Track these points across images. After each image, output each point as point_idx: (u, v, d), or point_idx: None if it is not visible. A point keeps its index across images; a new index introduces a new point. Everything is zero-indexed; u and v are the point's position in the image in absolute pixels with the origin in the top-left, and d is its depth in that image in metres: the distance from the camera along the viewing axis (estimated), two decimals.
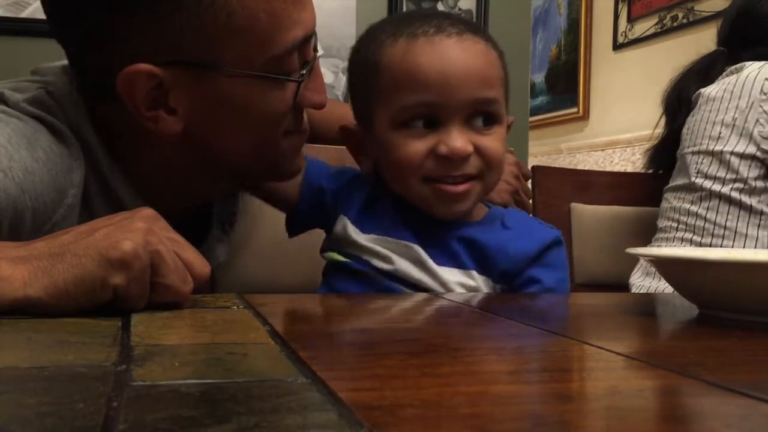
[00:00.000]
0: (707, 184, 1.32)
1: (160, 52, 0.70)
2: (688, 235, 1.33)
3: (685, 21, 3.09)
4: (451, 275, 0.81)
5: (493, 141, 0.80)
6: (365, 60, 0.82)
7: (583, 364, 0.45)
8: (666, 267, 0.68)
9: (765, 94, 1.28)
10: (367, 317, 0.65)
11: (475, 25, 0.87)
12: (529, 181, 1.20)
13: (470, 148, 0.78)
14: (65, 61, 0.81)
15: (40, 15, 1.99)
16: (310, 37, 0.76)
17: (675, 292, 0.69)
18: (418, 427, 0.30)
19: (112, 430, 0.27)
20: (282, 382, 0.35)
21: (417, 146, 0.78)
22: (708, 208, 1.31)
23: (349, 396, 0.32)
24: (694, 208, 1.33)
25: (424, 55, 0.78)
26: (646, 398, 0.35)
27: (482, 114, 0.80)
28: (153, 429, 0.27)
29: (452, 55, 0.78)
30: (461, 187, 0.79)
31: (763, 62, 1.32)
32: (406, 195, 0.82)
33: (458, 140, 0.77)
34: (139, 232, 0.56)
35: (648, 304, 0.80)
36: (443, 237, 0.82)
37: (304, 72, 0.76)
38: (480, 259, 0.82)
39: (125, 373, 0.36)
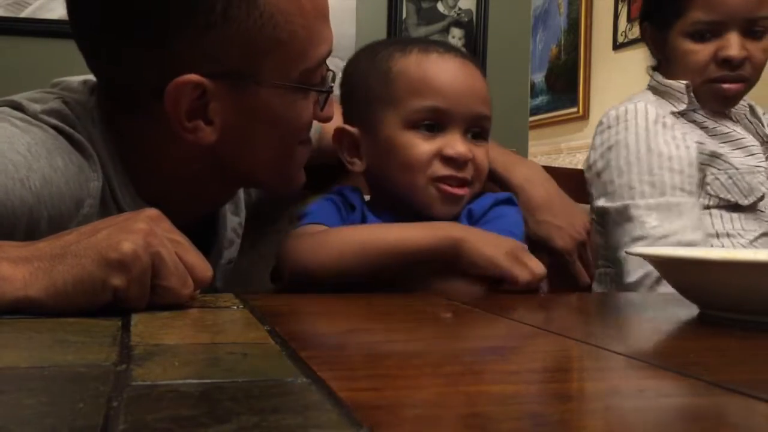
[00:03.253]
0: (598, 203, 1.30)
1: (207, 63, 0.71)
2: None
3: None
4: None
5: (483, 154, 0.90)
6: (372, 68, 0.90)
7: (583, 364, 0.46)
8: (666, 267, 0.68)
9: (602, 123, 1.27)
10: (367, 317, 0.65)
11: (475, 60, 0.99)
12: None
13: (471, 155, 0.87)
14: (85, 76, 0.81)
15: (40, 15, 1.98)
16: (329, 54, 0.80)
17: (660, 289, 0.69)
18: (418, 427, 0.30)
19: (112, 430, 0.27)
20: (282, 382, 0.35)
21: (424, 147, 0.86)
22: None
23: (349, 396, 0.32)
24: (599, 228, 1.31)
25: (437, 67, 0.88)
26: (646, 398, 0.35)
27: (476, 128, 0.90)
28: (153, 429, 0.27)
29: (461, 72, 0.89)
30: (462, 190, 0.88)
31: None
32: (409, 194, 0.88)
33: (463, 146, 0.87)
34: (140, 233, 0.56)
35: (648, 304, 0.80)
36: None
37: (333, 84, 0.82)
38: None
39: (125, 373, 0.36)
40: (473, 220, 0.91)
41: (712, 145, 1.23)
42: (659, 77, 1.29)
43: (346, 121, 0.93)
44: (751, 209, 1.22)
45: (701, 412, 0.34)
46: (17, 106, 0.74)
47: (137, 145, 0.78)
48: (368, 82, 0.90)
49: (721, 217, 1.22)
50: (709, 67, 1.21)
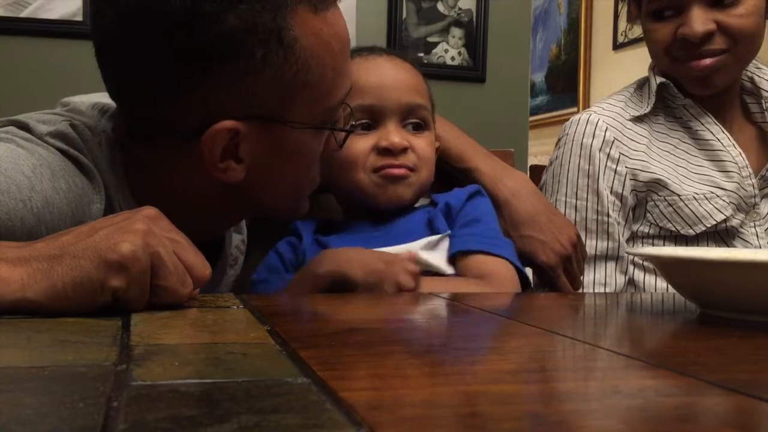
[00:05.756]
0: None
1: (242, 106, 0.72)
2: None
3: None
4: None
5: (424, 143, 0.94)
6: None
7: (583, 364, 0.45)
8: (666, 267, 0.68)
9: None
10: (367, 317, 0.65)
11: (403, 54, 1.01)
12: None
13: (406, 143, 0.91)
14: (96, 97, 0.81)
15: (40, 15, 1.98)
16: (351, 87, 0.82)
17: (662, 289, 0.69)
18: (418, 427, 0.30)
19: (112, 430, 0.27)
20: (282, 382, 0.35)
21: (361, 144, 0.91)
22: None
23: (349, 396, 0.32)
24: None
25: (361, 68, 0.92)
26: (646, 398, 0.35)
27: (413, 119, 0.94)
28: (153, 429, 0.27)
29: (385, 68, 0.95)
30: (401, 170, 0.91)
31: None
32: (354, 188, 0.93)
33: (396, 136, 0.91)
34: (138, 233, 0.55)
35: (648, 304, 0.80)
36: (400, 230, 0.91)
37: (353, 122, 0.85)
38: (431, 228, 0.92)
39: (125, 372, 0.36)
40: (452, 214, 0.93)
41: (658, 167, 1.14)
42: (649, 69, 1.22)
43: None
44: (708, 238, 1.13)
45: (701, 412, 0.34)
46: (24, 126, 0.74)
47: (150, 174, 0.78)
48: None
49: (664, 246, 1.13)
50: (672, 46, 1.11)
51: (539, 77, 4.42)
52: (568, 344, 0.51)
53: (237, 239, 0.97)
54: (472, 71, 2.06)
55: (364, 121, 0.92)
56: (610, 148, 1.15)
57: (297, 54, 0.72)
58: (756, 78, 1.21)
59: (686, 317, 0.65)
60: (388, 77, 0.93)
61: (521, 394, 0.36)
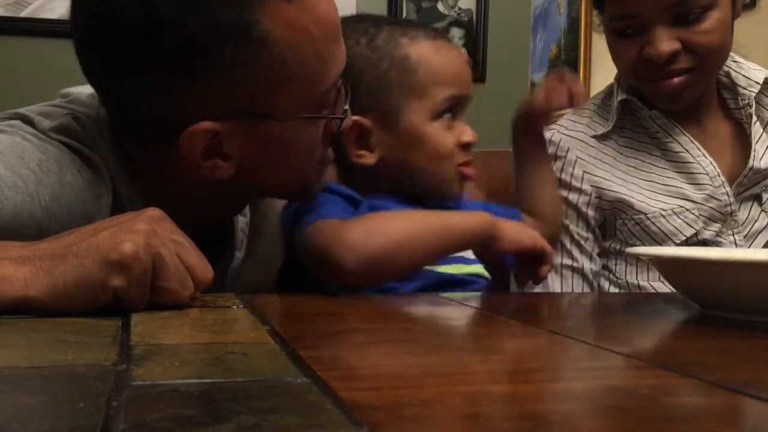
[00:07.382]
0: None
1: (218, 105, 0.71)
2: None
3: None
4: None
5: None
6: (381, 54, 0.87)
7: (582, 364, 0.46)
8: (666, 267, 0.68)
9: None
10: (368, 317, 0.65)
11: None
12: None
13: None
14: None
15: (40, 14, 1.99)
16: (342, 70, 0.78)
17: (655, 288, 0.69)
18: (418, 427, 0.30)
19: (112, 430, 0.27)
20: (282, 382, 0.35)
21: (449, 138, 0.88)
22: None
23: (349, 396, 0.32)
24: None
25: (449, 54, 0.89)
26: (645, 398, 0.35)
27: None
28: (153, 429, 0.27)
29: (461, 57, 0.94)
30: (475, 170, 0.91)
31: None
32: (436, 181, 0.89)
33: (471, 129, 0.90)
34: (141, 233, 0.55)
35: (648, 304, 0.80)
36: None
37: (347, 108, 0.81)
38: None
39: (125, 372, 0.36)
40: None
41: (622, 187, 1.11)
42: (615, 79, 1.17)
43: (365, 111, 0.88)
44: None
45: (701, 412, 0.34)
46: (28, 121, 0.74)
47: (149, 169, 0.78)
48: (379, 69, 0.86)
49: (637, 265, 1.10)
50: (638, 65, 1.05)
51: (539, 77, 4.42)
52: (567, 344, 0.51)
53: (242, 222, 0.97)
54: (473, 71, 2.05)
55: (449, 112, 0.88)
56: (573, 168, 1.13)
57: (270, 47, 0.70)
58: (733, 73, 1.16)
59: (686, 317, 0.65)
60: (466, 68, 0.92)
61: (521, 394, 0.36)
